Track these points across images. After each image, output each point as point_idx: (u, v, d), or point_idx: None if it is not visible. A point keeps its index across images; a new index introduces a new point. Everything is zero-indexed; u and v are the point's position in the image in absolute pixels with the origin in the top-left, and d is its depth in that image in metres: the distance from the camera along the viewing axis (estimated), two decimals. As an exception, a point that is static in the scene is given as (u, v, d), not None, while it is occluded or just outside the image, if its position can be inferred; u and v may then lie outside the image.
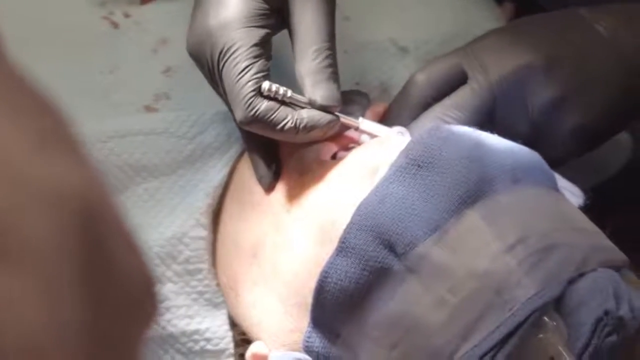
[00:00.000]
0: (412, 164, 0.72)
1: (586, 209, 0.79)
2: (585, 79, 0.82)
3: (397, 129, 0.80)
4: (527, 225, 0.70)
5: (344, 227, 0.72)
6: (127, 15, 0.89)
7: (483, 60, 0.82)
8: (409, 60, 0.92)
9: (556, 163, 0.84)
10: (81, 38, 0.88)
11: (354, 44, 0.90)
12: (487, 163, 0.72)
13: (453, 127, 0.75)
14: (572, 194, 0.80)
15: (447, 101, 0.82)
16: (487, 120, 0.81)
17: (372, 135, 0.80)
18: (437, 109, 0.82)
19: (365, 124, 0.80)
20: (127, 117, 0.85)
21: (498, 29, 0.87)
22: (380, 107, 0.84)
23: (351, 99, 0.81)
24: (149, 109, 0.86)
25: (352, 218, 0.71)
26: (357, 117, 0.80)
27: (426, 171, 0.72)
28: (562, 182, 0.80)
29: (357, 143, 0.81)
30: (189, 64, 0.81)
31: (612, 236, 0.75)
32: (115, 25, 0.89)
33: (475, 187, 0.71)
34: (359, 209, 0.72)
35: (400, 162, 0.73)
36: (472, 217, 0.70)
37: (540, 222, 0.71)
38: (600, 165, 0.99)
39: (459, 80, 0.83)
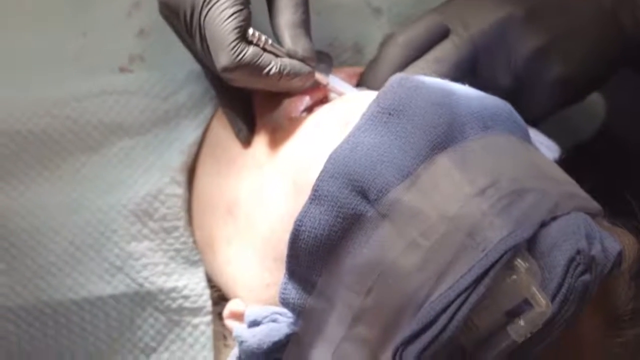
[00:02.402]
0: (383, 112, 0.73)
1: (561, 164, 0.79)
2: (566, 30, 0.83)
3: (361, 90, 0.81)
4: (498, 169, 0.70)
5: (315, 175, 0.72)
6: None
7: (463, 15, 0.83)
8: (382, 20, 0.92)
9: (537, 118, 0.85)
10: (55, 2, 0.88)
11: (327, 5, 0.91)
12: (458, 110, 0.73)
13: (423, 77, 0.76)
14: (548, 149, 0.81)
15: (429, 56, 0.82)
16: (468, 73, 0.82)
17: (340, 94, 0.81)
18: (419, 64, 0.83)
19: (334, 81, 0.81)
20: (102, 77, 0.85)
21: None
22: (355, 70, 0.85)
23: (319, 57, 0.81)
24: (123, 69, 0.86)
25: (324, 166, 0.72)
26: (326, 74, 0.80)
27: (397, 118, 0.72)
28: (538, 137, 0.81)
29: (325, 100, 0.81)
30: (162, 26, 0.81)
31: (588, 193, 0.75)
32: None
33: (446, 133, 0.71)
34: (330, 157, 0.72)
35: (371, 111, 0.73)
36: (443, 162, 0.70)
37: (512, 167, 0.71)
38: (574, 128, 1.00)
39: (439, 39, 0.83)
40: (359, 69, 0.86)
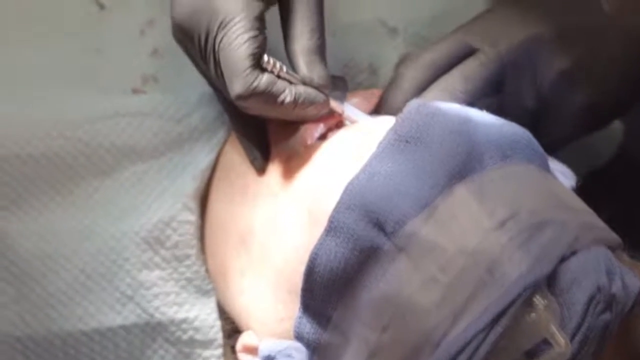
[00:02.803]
0: (400, 140, 0.71)
1: (578, 192, 0.78)
2: (593, 53, 0.82)
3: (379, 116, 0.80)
4: (517, 201, 0.69)
5: (332, 207, 0.71)
6: None
7: (491, 33, 0.82)
8: (398, 41, 0.91)
9: (558, 143, 0.83)
10: (67, 18, 0.87)
11: (342, 25, 0.89)
12: (476, 138, 0.72)
13: (441, 104, 0.74)
14: (564, 176, 0.79)
15: (455, 72, 0.81)
16: (494, 92, 0.81)
17: (354, 121, 0.80)
18: (444, 81, 0.81)
19: (348, 108, 0.80)
20: (115, 98, 0.84)
21: (502, 3, 0.86)
22: (372, 93, 0.84)
23: (334, 84, 0.80)
24: (136, 91, 0.85)
25: (341, 197, 0.70)
26: (341, 102, 0.79)
27: (414, 147, 0.71)
28: (554, 164, 0.80)
29: (340, 125, 0.80)
30: (176, 46, 0.80)
31: (606, 223, 0.74)
32: (101, 5, 0.88)
33: (464, 162, 0.70)
34: (347, 187, 0.71)
35: (388, 140, 0.72)
36: (461, 193, 0.69)
37: (531, 199, 0.70)
38: (591, 152, 0.99)
39: (463, 59, 0.82)
40: (376, 92, 0.85)
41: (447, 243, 0.67)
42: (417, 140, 0.71)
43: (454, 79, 0.81)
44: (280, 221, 0.76)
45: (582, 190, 0.79)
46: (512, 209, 0.68)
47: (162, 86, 0.85)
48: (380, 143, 0.72)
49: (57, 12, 0.87)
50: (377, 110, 0.84)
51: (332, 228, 0.70)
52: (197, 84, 0.83)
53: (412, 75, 0.82)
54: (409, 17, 0.92)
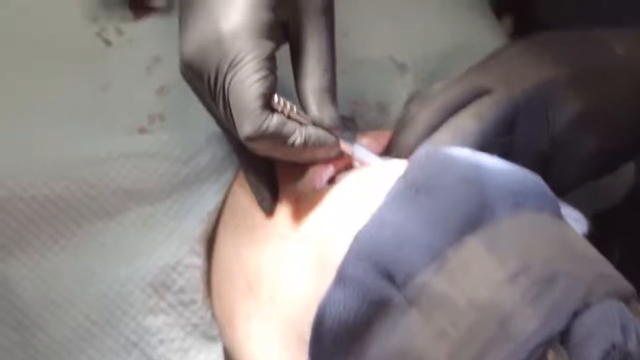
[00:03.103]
0: (410, 189, 0.70)
1: (590, 238, 0.77)
2: (606, 99, 0.81)
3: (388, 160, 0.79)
4: (529, 252, 0.67)
5: (341, 256, 0.69)
6: (119, 32, 0.87)
7: (504, 74, 0.80)
8: (407, 77, 0.90)
9: (570, 186, 0.82)
10: (72, 55, 0.86)
11: (351, 62, 0.88)
12: (487, 187, 0.70)
13: (451, 150, 0.73)
14: (576, 221, 0.78)
15: (467, 111, 0.80)
16: (506, 133, 0.79)
17: (364, 163, 0.78)
18: (456, 120, 0.80)
19: (358, 150, 0.78)
20: (120, 138, 0.83)
21: (514, 44, 0.85)
22: (383, 134, 0.82)
23: (344, 125, 0.78)
24: (142, 130, 0.84)
25: (350, 247, 0.69)
26: (351, 144, 0.78)
27: (424, 196, 0.69)
28: (565, 209, 0.78)
29: (350, 167, 0.79)
30: (183, 83, 0.78)
31: (617, 267, 0.73)
32: (107, 42, 0.87)
33: (476, 212, 0.69)
34: (356, 237, 0.69)
35: (397, 188, 0.71)
36: (473, 244, 0.68)
37: (543, 249, 0.68)
38: (602, 193, 0.98)
39: (474, 100, 0.81)
40: (385, 134, 0.84)
41: (458, 296, 0.66)
42: (427, 189, 0.70)
43: (466, 118, 0.80)
44: (288, 265, 0.74)
45: (593, 231, 0.77)
46: (524, 261, 0.67)
47: (169, 125, 0.84)
48: (390, 191, 0.71)
49: (62, 48, 0.86)
50: (388, 151, 0.83)
51: (341, 279, 0.69)
52: (204, 123, 0.81)
53: (424, 117, 0.81)
54: (419, 53, 0.91)
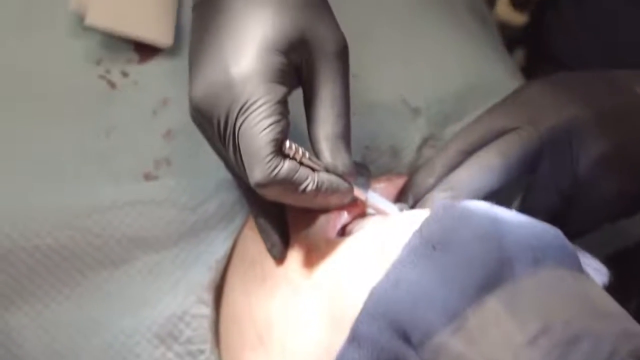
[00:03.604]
0: (426, 245, 0.68)
1: (609, 288, 0.75)
2: (631, 141, 0.79)
3: (400, 206, 0.77)
4: (550, 312, 0.65)
5: (354, 312, 0.68)
6: (124, 74, 0.85)
7: (527, 112, 0.78)
8: (421, 121, 0.88)
9: (589, 227, 0.81)
10: (76, 98, 0.83)
11: (363, 105, 0.86)
12: (506, 243, 0.68)
13: (469, 204, 0.71)
14: (596, 271, 0.76)
15: (492, 148, 0.78)
16: (529, 171, 0.77)
17: (379, 210, 0.76)
18: (481, 156, 0.78)
19: (373, 197, 0.76)
20: (125, 185, 0.80)
21: (532, 84, 0.82)
22: (397, 180, 0.80)
23: (357, 171, 0.76)
24: (148, 176, 0.81)
25: (365, 304, 0.67)
26: (365, 190, 0.76)
27: (441, 252, 0.67)
28: (585, 258, 0.76)
29: (363, 214, 0.77)
30: (190, 127, 0.76)
31: (637, 311, 0.71)
32: (112, 85, 0.84)
33: (494, 270, 0.66)
34: (371, 294, 0.67)
35: (413, 243, 0.68)
36: (492, 305, 0.65)
37: (564, 309, 0.66)
38: (620, 232, 0.95)
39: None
40: (401, 177, 0.82)
41: (477, 358, 0.64)
42: (444, 245, 0.67)
43: (491, 154, 0.78)
44: (299, 316, 0.72)
45: (612, 272, 0.76)
46: (544, 322, 0.65)
47: (176, 170, 0.82)
48: (405, 246, 0.69)
49: (64, 91, 0.83)
50: (403, 193, 0.80)
51: (355, 337, 0.67)
52: (213, 168, 0.79)
53: (442, 158, 0.79)
54: (431, 95, 0.89)
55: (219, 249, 0.80)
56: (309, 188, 0.70)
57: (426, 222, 0.69)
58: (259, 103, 0.69)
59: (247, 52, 0.70)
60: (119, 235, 0.79)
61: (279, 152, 0.69)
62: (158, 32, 0.85)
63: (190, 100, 0.72)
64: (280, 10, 0.71)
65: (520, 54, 1.19)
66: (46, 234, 0.78)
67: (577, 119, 0.78)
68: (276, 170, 0.69)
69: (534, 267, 0.68)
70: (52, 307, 0.78)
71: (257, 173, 0.69)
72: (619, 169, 0.79)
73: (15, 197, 0.78)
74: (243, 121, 0.69)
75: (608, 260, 0.80)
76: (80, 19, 0.84)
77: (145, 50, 0.85)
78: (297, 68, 0.72)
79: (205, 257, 0.80)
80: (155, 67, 0.85)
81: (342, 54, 0.73)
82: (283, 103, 0.70)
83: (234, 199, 0.81)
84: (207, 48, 0.72)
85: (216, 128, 0.71)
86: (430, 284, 0.66)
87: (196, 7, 0.74)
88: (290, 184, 0.69)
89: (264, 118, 0.69)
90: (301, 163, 0.70)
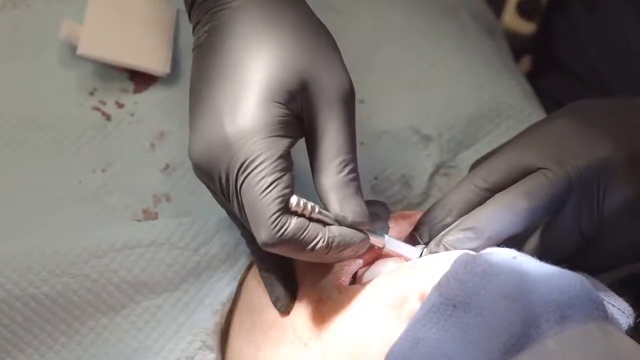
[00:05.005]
0: (447, 304, 0.64)
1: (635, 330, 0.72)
2: None
3: (421, 248, 0.73)
4: None
5: None
6: (119, 105, 0.81)
7: (553, 151, 0.73)
8: (432, 149, 0.84)
9: (608, 269, 0.77)
10: (69, 132, 0.79)
11: (371, 133, 0.82)
12: (531, 301, 0.64)
13: (491, 258, 0.67)
14: (622, 312, 0.73)
15: (517, 188, 0.73)
16: (555, 212, 0.73)
17: (398, 256, 0.72)
18: (505, 197, 0.73)
19: (390, 243, 0.71)
20: (123, 225, 0.76)
21: (559, 116, 0.77)
22: (414, 216, 0.76)
23: (373, 213, 0.71)
24: (147, 214, 0.78)
25: (382, 366, 0.63)
26: (382, 235, 0.71)
27: (463, 312, 0.64)
28: (610, 299, 0.73)
29: (378, 258, 0.73)
30: (189, 161, 0.71)
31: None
32: (107, 116, 0.80)
33: (520, 332, 0.63)
34: (389, 355, 0.63)
35: (433, 301, 0.64)
36: None
37: None
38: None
39: (519, 178, 0.74)
40: (415, 215, 0.77)
41: None
42: (466, 305, 0.64)
43: (517, 196, 0.72)
44: None
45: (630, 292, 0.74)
46: None
47: (176, 207, 0.78)
48: (425, 303, 0.65)
49: (56, 125, 0.79)
50: (418, 230, 0.76)
51: (373, 401, 0.63)
52: (214, 205, 0.74)
53: (461, 195, 0.74)
54: (442, 121, 0.85)
55: (223, 292, 0.77)
56: (319, 246, 0.66)
57: (446, 279, 0.65)
58: (258, 161, 0.65)
59: (244, 105, 0.66)
60: (117, 279, 0.75)
61: (285, 209, 0.65)
62: (154, 60, 0.81)
63: (190, 158, 0.68)
64: (280, 56, 0.67)
65: (526, 60, 1.16)
66: (42, 282, 0.74)
67: (606, 161, 0.73)
68: (282, 230, 0.65)
69: (561, 325, 0.64)
70: (48, 357, 0.75)
71: (262, 234, 0.65)
72: None
73: (7, 242, 0.74)
74: (244, 179, 0.65)
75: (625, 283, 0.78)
76: (72, 47, 0.80)
77: (140, 79, 0.81)
78: (299, 116, 0.68)
79: (209, 300, 0.77)
80: (152, 97, 0.81)
81: (346, 99, 0.68)
82: (285, 157, 0.66)
83: (237, 239, 0.77)
84: (204, 98, 0.68)
85: (218, 186, 0.67)
86: (450, 345, 0.63)
87: (196, 49, 0.70)
88: (298, 243, 0.65)
89: (266, 176, 0.65)
90: (310, 218, 0.66)
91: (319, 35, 0.69)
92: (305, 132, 0.69)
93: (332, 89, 0.68)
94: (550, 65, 1.10)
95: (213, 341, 0.76)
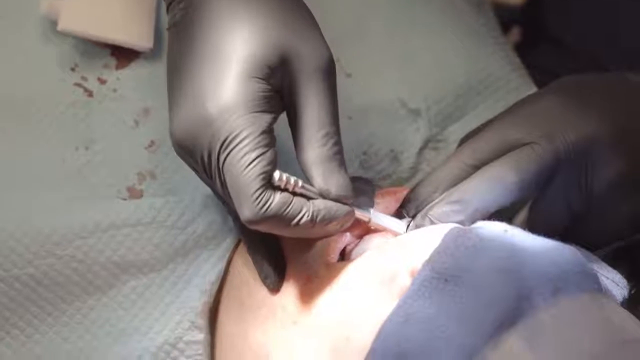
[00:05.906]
0: (439, 279, 0.63)
1: (630, 300, 0.71)
2: None
3: (408, 221, 0.72)
4: (573, 347, 0.61)
5: (359, 346, 0.63)
6: (102, 81, 0.79)
7: (543, 124, 0.73)
8: (420, 123, 0.83)
9: (597, 246, 0.76)
10: (50, 109, 0.77)
11: (358, 107, 0.81)
12: (524, 274, 0.63)
13: (482, 232, 0.66)
14: (615, 284, 0.72)
15: (506, 161, 0.72)
16: (544, 186, 0.72)
17: (384, 229, 0.71)
18: (493, 170, 0.72)
19: (376, 216, 0.71)
20: (108, 204, 0.75)
21: (548, 91, 0.77)
22: (402, 192, 0.75)
23: (358, 188, 0.70)
24: (132, 191, 0.76)
25: (374, 343, 0.62)
26: (367, 209, 0.70)
27: (455, 286, 0.63)
28: (603, 271, 0.72)
29: (365, 234, 0.72)
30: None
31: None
32: (89, 93, 0.79)
33: (514, 305, 0.62)
34: (380, 332, 0.62)
35: (424, 276, 0.64)
36: (512, 341, 0.61)
37: (588, 341, 0.62)
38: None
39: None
40: (402, 190, 0.76)
41: None
42: (458, 278, 0.63)
43: (505, 168, 0.72)
44: (298, 353, 0.68)
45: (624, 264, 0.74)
46: (565, 355, 0.61)
47: (162, 184, 0.77)
48: (416, 278, 0.64)
49: (37, 101, 0.77)
50: (405, 206, 0.75)
51: (364, 377, 0.62)
52: (200, 182, 0.73)
53: (448, 170, 0.74)
54: (432, 96, 0.84)
55: (212, 271, 0.76)
56: (304, 220, 0.65)
57: (437, 254, 0.64)
58: (240, 137, 0.64)
59: (224, 82, 0.65)
60: (103, 259, 0.74)
61: (268, 185, 0.64)
62: (136, 36, 0.79)
63: (171, 136, 0.67)
64: (258, 31, 0.65)
65: (515, 31, 1.15)
66: (26, 263, 0.72)
67: (595, 137, 0.72)
68: (266, 206, 0.64)
69: (554, 297, 0.64)
70: (35, 338, 0.74)
71: (245, 211, 0.64)
72: (632, 192, 0.75)
73: None
74: (226, 157, 0.64)
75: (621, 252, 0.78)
76: (52, 22, 0.78)
77: (123, 55, 0.80)
78: (280, 91, 0.67)
79: (197, 280, 0.76)
80: (135, 72, 0.80)
81: (327, 71, 0.67)
82: (268, 132, 0.65)
83: (224, 217, 0.76)
84: (183, 77, 0.67)
85: (200, 164, 0.66)
86: (443, 319, 0.62)
87: (172, 27, 0.69)
88: (282, 218, 0.64)
89: (248, 152, 0.64)
90: (294, 193, 0.65)
91: (297, 9, 0.68)
92: (287, 107, 0.67)
93: (312, 63, 0.66)
94: (540, 37, 1.09)
95: (202, 321, 0.75)
